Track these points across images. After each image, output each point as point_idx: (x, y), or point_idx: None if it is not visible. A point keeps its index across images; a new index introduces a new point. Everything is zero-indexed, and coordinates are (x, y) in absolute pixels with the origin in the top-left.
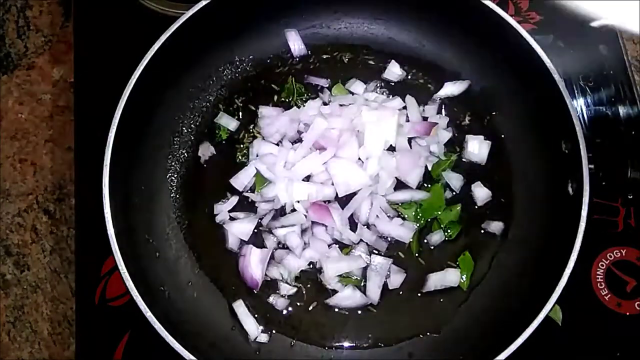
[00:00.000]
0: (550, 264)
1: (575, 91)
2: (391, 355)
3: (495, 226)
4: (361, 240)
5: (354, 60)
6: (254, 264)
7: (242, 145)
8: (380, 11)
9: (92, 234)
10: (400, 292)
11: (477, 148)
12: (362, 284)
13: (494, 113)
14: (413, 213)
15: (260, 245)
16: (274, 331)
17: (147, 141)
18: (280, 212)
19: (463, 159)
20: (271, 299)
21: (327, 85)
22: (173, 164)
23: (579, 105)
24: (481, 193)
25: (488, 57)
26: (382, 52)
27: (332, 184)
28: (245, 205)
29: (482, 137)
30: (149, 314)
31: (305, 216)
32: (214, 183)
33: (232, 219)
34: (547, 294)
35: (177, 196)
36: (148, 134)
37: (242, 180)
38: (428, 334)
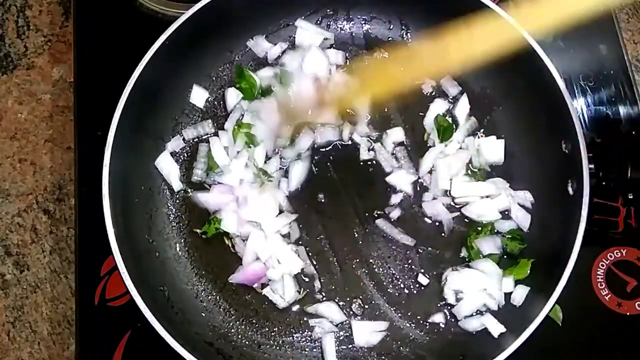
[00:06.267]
0: (551, 264)
1: (575, 91)
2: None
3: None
4: None
5: (354, 59)
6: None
7: None
8: (380, 11)
9: (92, 234)
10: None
11: (492, 148)
12: None
13: (494, 113)
14: None
15: None
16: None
17: (146, 141)
18: None
19: (471, 164)
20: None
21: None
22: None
23: (579, 105)
24: None
25: (488, 57)
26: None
27: None
28: None
29: (493, 137)
30: (149, 314)
31: None
32: None
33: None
34: (547, 294)
35: (177, 196)
36: (148, 134)
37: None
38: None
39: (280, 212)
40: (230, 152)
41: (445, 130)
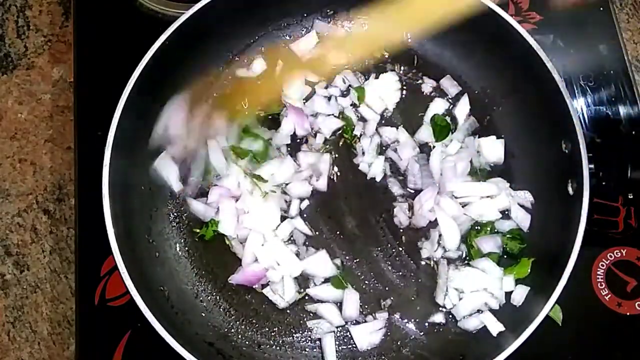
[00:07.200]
0: (551, 264)
1: (575, 91)
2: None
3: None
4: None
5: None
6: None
7: None
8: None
9: (92, 234)
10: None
11: (492, 148)
12: None
13: (494, 113)
14: None
15: None
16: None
17: (147, 141)
18: None
19: (472, 164)
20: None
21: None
22: None
23: (579, 105)
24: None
25: (488, 56)
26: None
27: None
28: None
29: (493, 137)
30: (149, 314)
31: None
32: None
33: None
34: (547, 293)
35: (177, 196)
36: (148, 134)
37: None
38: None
39: (284, 218)
40: (228, 155)
41: (442, 129)
